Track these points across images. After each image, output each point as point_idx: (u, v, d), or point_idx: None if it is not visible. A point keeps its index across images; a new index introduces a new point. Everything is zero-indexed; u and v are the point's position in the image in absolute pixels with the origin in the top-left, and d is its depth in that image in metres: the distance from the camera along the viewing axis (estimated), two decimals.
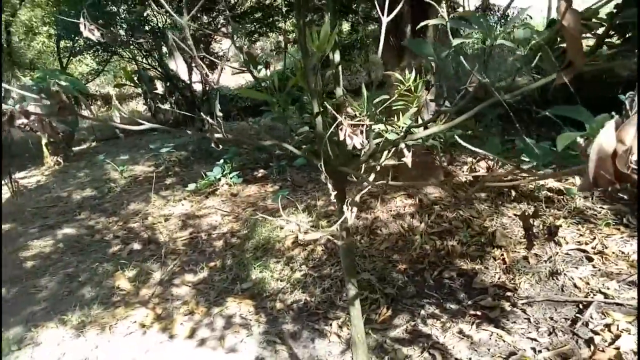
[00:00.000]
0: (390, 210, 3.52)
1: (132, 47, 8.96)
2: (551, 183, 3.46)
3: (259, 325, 2.49)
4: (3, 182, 4.96)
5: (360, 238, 3.24)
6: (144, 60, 9.33)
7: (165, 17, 8.41)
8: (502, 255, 2.72)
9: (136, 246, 3.78)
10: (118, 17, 7.58)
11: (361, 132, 0.95)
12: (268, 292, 2.79)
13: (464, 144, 0.89)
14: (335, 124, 0.93)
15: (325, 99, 1.14)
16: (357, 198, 1.31)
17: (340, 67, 1.12)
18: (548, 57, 0.98)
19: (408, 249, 2.99)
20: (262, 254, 3.26)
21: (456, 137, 1.10)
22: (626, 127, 0.38)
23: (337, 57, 1.10)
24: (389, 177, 1.11)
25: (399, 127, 1.14)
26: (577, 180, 3.39)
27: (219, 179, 5.22)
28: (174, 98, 9.27)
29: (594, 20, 1.04)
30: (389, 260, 2.89)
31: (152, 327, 2.59)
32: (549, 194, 3.31)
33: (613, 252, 2.56)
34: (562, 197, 3.25)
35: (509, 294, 2.41)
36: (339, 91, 1.13)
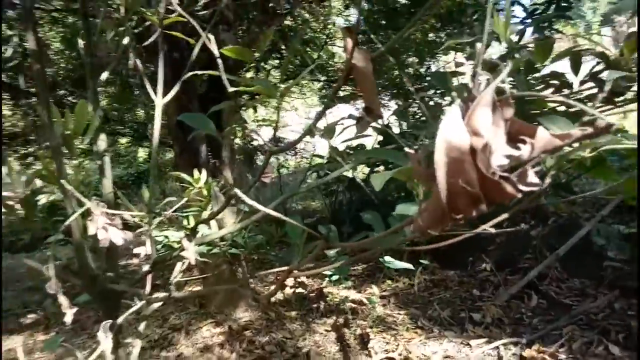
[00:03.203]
0: (196, 343, 3.09)
1: None
2: (353, 295, 3.57)
3: None
4: None
5: None
6: None
7: None
8: None
9: None
10: None
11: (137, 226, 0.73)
12: None
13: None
14: (81, 210, 0.69)
15: (90, 196, 0.89)
16: (142, 327, 1.01)
17: (108, 157, 0.91)
18: (335, 150, 0.97)
19: None
20: None
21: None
22: (477, 111, 0.28)
23: (102, 144, 0.90)
24: (171, 292, 0.88)
25: (189, 229, 0.96)
26: (374, 289, 3.59)
27: None
28: None
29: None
30: None
31: None
32: (352, 305, 3.39)
33: (417, 357, 2.64)
34: (364, 307, 3.35)
35: None
36: (107, 184, 0.90)
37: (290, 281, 3.73)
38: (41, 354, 3.41)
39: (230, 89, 0.70)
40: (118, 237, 0.71)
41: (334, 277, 3.73)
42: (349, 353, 2.45)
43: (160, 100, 0.87)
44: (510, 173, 0.27)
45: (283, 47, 5.90)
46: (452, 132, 0.26)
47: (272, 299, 3.64)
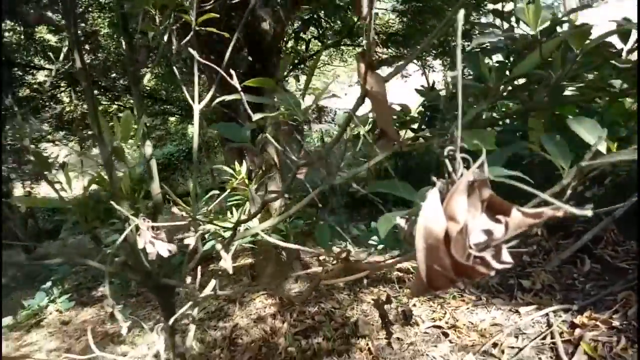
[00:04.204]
0: (250, 314, 3.26)
1: None
2: (400, 263, 3.61)
3: None
4: None
5: (219, 352, 2.89)
6: None
7: None
8: (367, 344, 2.63)
9: None
10: None
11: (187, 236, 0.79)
12: None
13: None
14: (130, 227, 0.76)
15: (140, 200, 0.96)
16: (195, 312, 1.10)
17: (154, 160, 0.97)
18: (367, 141, 0.98)
19: (273, 355, 2.73)
20: None
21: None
22: (454, 197, 0.30)
23: (148, 149, 0.96)
24: (216, 288, 0.94)
25: (233, 223, 1.01)
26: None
27: (47, 306, 4.36)
28: None
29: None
30: None
31: None
32: (399, 274, 3.43)
33: (464, 324, 2.66)
34: (411, 275, 3.39)
35: None
36: (155, 187, 0.97)
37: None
38: (112, 325, 3.72)
39: (255, 118, 0.73)
40: (164, 249, 0.78)
41: (380, 246, 3.78)
42: (391, 329, 2.50)
43: (197, 106, 0.91)
44: (487, 248, 0.29)
45: (322, 14, 5.77)
46: (430, 219, 0.28)
47: (320, 270, 3.74)
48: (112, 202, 0.73)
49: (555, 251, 3.15)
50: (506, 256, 0.29)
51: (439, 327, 2.70)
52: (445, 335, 2.61)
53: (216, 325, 3.27)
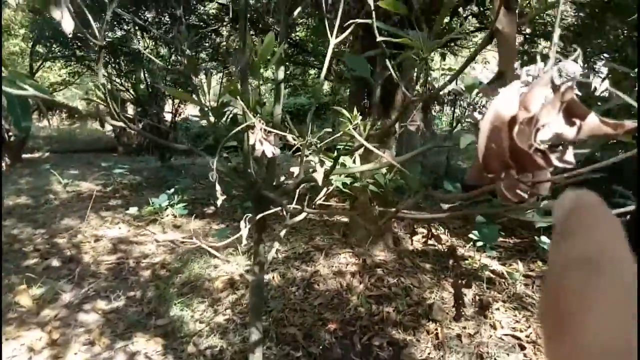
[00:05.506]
0: (332, 266, 3.39)
1: (109, 66, 8.81)
2: (495, 265, 3.44)
3: None
4: None
5: (295, 290, 3.07)
6: (119, 81, 9.15)
7: (146, 42, 8.37)
8: (436, 329, 2.60)
9: (55, 263, 3.45)
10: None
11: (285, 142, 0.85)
12: (183, 332, 2.54)
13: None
14: (246, 124, 0.83)
15: (264, 116, 1.05)
16: (282, 233, 1.20)
17: (282, 85, 1.05)
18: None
19: (342, 308, 2.83)
20: (189, 290, 3.02)
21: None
22: (534, 89, 0.29)
23: (281, 74, 1.03)
24: (304, 204, 1.00)
25: (332, 158, 1.06)
26: (519, 266, 3.40)
27: (166, 208, 4.98)
28: (142, 123, 9.12)
29: None
30: (319, 318, 2.72)
31: (42, 352, 2.28)
32: (491, 275, 3.27)
33: None
34: (503, 280, 3.21)
35: None
36: (278, 109, 1.04)
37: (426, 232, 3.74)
38: (212, 239, 4.13)
39: (379, 38, 0.74)
40: (269, 150, 0.85)
41: (479, 243, 3.62)
42: (462, 311, 2.41)
43: (333, 40, 0.96)
44: (557, 148, 0.28)
45: None
46: (502, 103, 0.28)
47: (410, 248, 3.71)
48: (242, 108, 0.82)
49: None
50: (570, 157, 0.28)
51: (517, 337, 2.55)
52: (522, 347, 2.47)
53: (299, 266, 3.46)
